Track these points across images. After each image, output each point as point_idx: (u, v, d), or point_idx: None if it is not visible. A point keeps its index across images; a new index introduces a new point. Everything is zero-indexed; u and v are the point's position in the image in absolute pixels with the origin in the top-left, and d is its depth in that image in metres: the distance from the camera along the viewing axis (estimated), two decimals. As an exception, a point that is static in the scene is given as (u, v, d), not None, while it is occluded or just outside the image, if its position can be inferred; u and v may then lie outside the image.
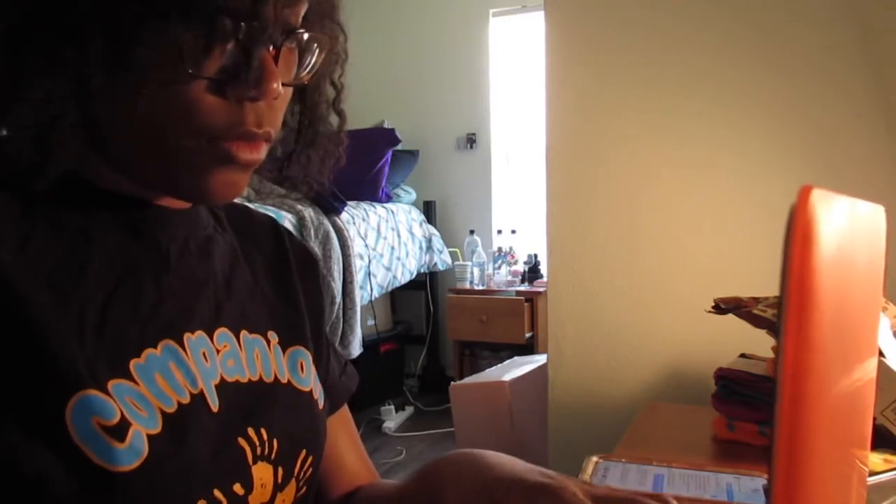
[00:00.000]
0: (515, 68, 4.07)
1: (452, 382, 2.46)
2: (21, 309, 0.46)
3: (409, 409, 3.73)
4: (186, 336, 0.54)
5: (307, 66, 0.54)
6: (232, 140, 0.49)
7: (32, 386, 0.45)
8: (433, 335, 4.07)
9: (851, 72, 1.39)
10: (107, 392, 0.47)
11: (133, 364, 0.49)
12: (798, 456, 0.27)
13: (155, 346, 0.51)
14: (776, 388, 0.27)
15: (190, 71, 0.46)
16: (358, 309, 3.05)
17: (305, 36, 0.52)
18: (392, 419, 3.52)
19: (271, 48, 0.49)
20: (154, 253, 0.54)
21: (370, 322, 3.42)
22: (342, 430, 0.72)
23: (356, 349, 3.05)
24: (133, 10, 0.44)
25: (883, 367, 0.95)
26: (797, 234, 0.26)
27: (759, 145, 1.47)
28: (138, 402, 0.48)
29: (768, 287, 1.09)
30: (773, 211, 1.40)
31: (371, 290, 3.26)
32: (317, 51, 0.53)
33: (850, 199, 0.33)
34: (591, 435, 1.56)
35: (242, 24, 0.46)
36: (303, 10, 0.51)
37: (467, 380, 2.53)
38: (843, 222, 0.31)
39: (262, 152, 0.52)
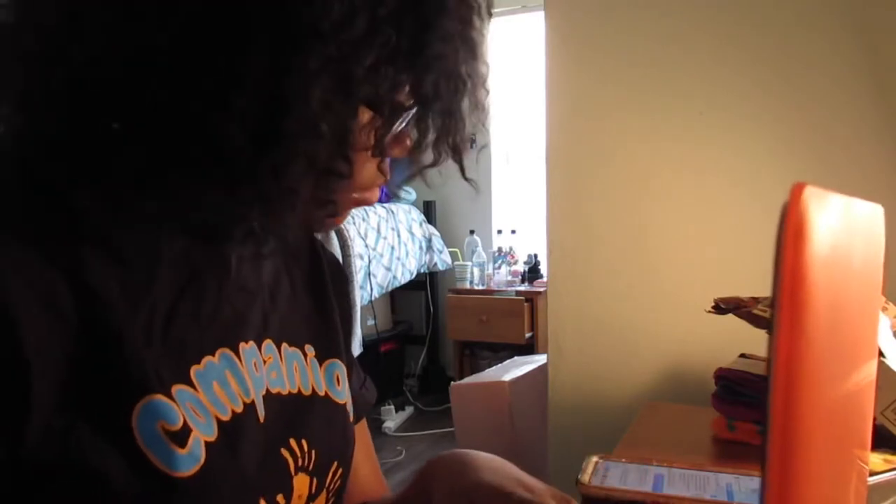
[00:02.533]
0: (515, 68, 4.06)
1: (452, 382, 2.46)
2: (98, 308, 0.46)
3: (409, 409, 3.73)
4: (241, 345, 0.55)
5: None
6: (375, 189, 0.55)
7: (104, 385, 0.46)
8: (433, 335, 4.07)
9: (852, 73, 1.39)
10: (171, 397, 0.48)
11: (193, 370, 0.50)
12: (791, 455, 0.27)
13: (213, 354, 0.52)
14: (769, 385, 0.26)
15: (374, 147, 0.50)
16: (358, 309, 3.05)
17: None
18: (392, 419, 3.52)
19: None
20: (218, 260, 0.55)
21: (370, 322, 3.42)
22: (359, 442, 0.73)
23: (356, 349, 3.05)
24: (349, 105, 0.47)
25: (883, 367, 0.95)
26: (789, 230, 0.26)
27: (759, 145, 1.47)
28: (197, 409, 0.49)
29: (768, 287, 1.08)
30: (774, 211, 1.39)
31: (371, 290, 3.25)
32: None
33: (845, 198, 0.33)
34: (591, 435, 1.56)
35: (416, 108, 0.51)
36: None
37: (467, 380, 2.53)
38: (838, 221, 0.31)
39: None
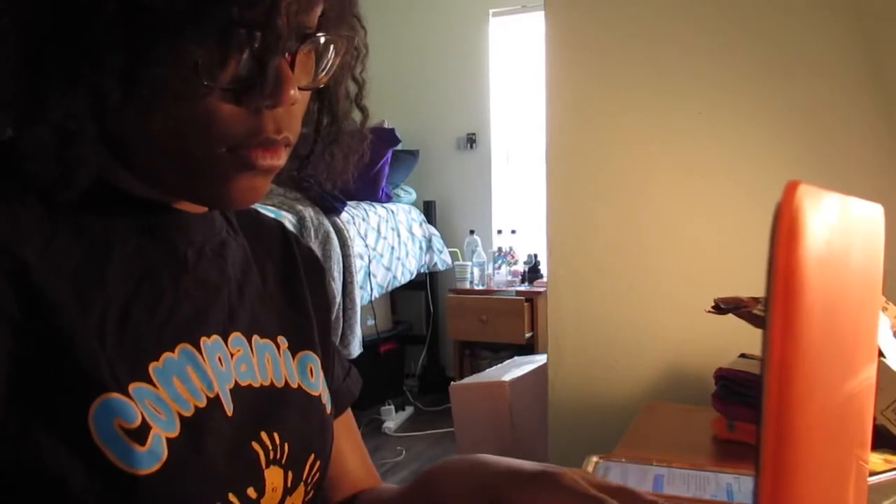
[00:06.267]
0: (515, 68, 4.06)
1: (452, 382, 2.46)
2: (46, 310, 0.46)
3: (409, 409, 3.73)
4: (203, 340, 0.54)
5: (325, 67, 0.53)
6: (252, 148, 0.50)
7: (56, 386, 0.46)
8: (433, 335, 4.07)
9: (852, 73, 1.39)
10: (128, 395, 0.47)
11: (152, 367, 0.50)
12: (785, 454, 0.26)
13: (172, 350, 0.52)
14: (762, 385, 0.26)
15: (206, 83, 0.46)
16: (358, 309, 3.05)
17: (322, 39, 0.51)
18: (392, 419, 3.51)
19: (287, 55, 0.49)
20: (172, 256, 0.55)
21: (370, 322, 3.42)
22: (345, 434, 0.72)
23: (356, 349, 3.05)
24: (147, 26, 0.44)
25: (883, 367, 0.95)
26: (782, 228, 0.26)
27: (759, 145, 1.47)
28: (157, 406, 0.49)
29: (768, 287, 1.09)
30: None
31: (371, 290, 3.25)
32: (334, 52, 0.53)
33: (841, 197, 0.33)
34: (591, 435, 1.56)
35: (256, 34, 0.46)
36: (318, 11, 0.51)
37: (467, 380, 2.53)
38: (834, 219, 0.31)
39: (282, 158, 0.52)
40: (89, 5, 0.44)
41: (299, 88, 0.50)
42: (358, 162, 0.65)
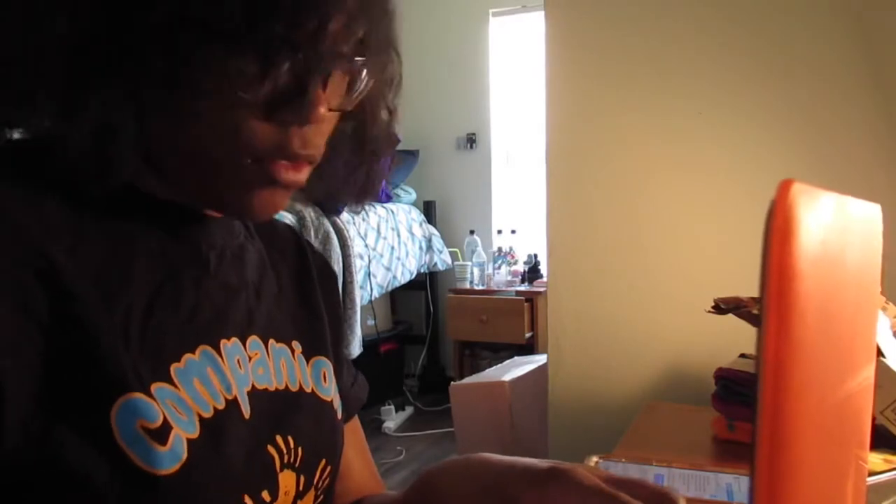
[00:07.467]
0: (515, 68, 4.06)
1: (452, 382, 2.46)
2: (73, 308, 0.46)
3: (409, 409, 3.73)
4: (223, 342, 0.55)
5: (356, 91, 0.54)
6: (276, 161, 0.50)
7: (80, 385, 0.46)
8: (433, 335, 4.07)
9: (852, 73, 1.39)
10: (150, 395, 0.47)
11: (173, 368, 0.50)
12: (780, 454, 0.26)
13: (193, 351, 0.52)
14: (757, 384, 0.26)
15: (242, 95, 0.47)
16: (358, 309, 3.05)
17: (357, 63, 0.52)
18: (392, 419, 3.52)
19: (321, 75, 0.49)
20: (195, 259, 0.55)
21: (370, 322, 3.42)
22: (352, 439, 0.73)
23: (356, 349, 3.05)
24: (194, 35, 0.45)
25: (883, 367, 0.95)
26: (776, 227, 0.26)
27: (759, 145, 1.47)
28: (178, 406, 0.49)
29: (767, 287, 1.08)
30: (773, 211, 1.40)
31: (371, 290, 3.25)
32: (367, 76, 0.54)
33: (838, 196, 0.33)
34: (591, 435, 1.56)
35: (300, 53, 0.47)
36: (359, 36, 0.52)
37: (467, 380, 2.53)
38: (830, 219, 0.31)
39: (304, 174, 0.53)
40: (140, 9, 0.45)
41: (329, 109, 0.50)
42: (378, 181, 0.67)
